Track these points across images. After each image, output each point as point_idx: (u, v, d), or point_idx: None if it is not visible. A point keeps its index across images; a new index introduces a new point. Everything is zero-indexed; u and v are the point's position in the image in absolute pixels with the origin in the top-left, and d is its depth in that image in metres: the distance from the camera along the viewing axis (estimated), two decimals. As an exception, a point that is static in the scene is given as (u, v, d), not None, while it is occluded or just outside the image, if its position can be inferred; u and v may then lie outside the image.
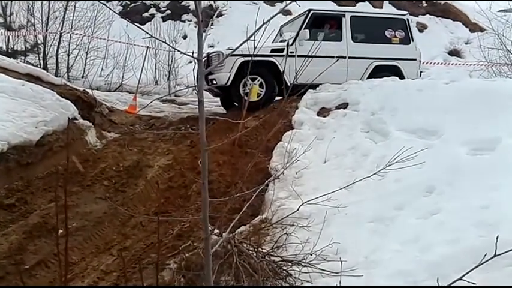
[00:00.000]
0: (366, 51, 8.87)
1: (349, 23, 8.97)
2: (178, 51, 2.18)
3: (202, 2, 17.03)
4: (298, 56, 7.87)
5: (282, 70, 8.24)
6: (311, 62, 8.26)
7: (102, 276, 4.34)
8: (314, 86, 7.75)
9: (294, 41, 8.53)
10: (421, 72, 9.69)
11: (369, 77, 8.69)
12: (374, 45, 8.96)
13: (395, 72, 8.91)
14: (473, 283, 1.85)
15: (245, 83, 8.17)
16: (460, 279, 1.74)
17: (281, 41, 9.27)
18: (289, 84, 8.07)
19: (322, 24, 9.17)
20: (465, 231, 3.39)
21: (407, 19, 9.47)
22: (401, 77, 8.81)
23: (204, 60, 9.50)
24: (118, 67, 12.39)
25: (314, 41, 8.47)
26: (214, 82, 8.42)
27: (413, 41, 9.40)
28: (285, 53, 8.34)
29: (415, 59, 9.38)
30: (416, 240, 3.56)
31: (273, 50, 8.39)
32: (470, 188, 4.04)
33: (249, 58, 7.79)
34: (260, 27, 2.25)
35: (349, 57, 8.47)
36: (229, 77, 8.20)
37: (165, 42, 2.31)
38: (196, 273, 3.74)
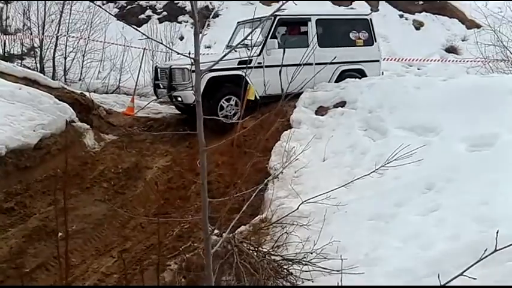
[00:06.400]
0: (332, 56, 7.84)
1: (315, 27, 8.63)
2: (175, 51, 2.18)
3: (198, 2, 17.04)
4: (266, 66, 7.32)
5: (250, 83, 7.47)
6: (278, 71, 8.02)
7: (103, 279, 4.35)
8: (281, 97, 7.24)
9: (261, 50, 8.01)
10: (382, 72, 9.49)
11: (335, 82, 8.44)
12: (340, 49, 8.44)
13: (360, 75, 8.81)
14: (474, 278, 1.84)
15: (222, 106, 7.70)
16: (461, 275, 1.73)
17: (243, 44, 8.85)
18: (258, 97, 7.48)
19: (289, 30, 8.90)
20: (465, 227, 3.39)
21: (370, 19, 9.26)
22: None
23: (166, 71, 8.61)
24: (115, 69, 12.35)
25: (283, 49, 7.89)
26: (180, 99, 7.90)
27: (376, 41, 9.25)
28: (252, 64, 7.75)
29: (378, 60, 9.27)
30: (416, 237, 3.56)
31: (240, 62, 7.68)
32: (469, 184, 4.05)
33: (217, 73, 7.43)
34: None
35: (316, 64, 7.43)
36: None
37: (161, 43, 2.30)
38: (197, 273, 3.73)
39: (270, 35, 8.19)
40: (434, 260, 3.15)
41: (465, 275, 1.75)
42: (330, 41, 8.68)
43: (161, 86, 8.44)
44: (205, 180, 1.87)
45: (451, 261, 2.95)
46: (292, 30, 8.98)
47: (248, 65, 7.70)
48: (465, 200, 3.81)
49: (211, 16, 14.51)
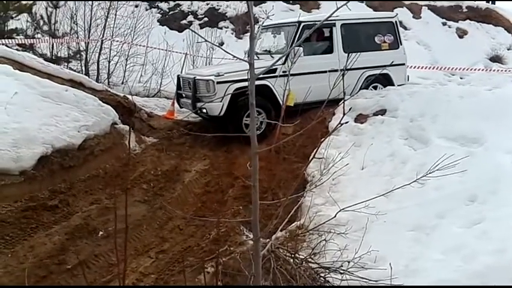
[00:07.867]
0: (358, 61, 8.02)
1: (339, 33, 8.46)
2: (232, 55, 2.18)
3: (239, 8, 17.14)
4: (292, 74, 7.19)
5: (276, 93, 7.59)
6: (303, 80, 7.92)
7: (141, 278, 4.41)
8: (309, 105, 7.01)
9: (286, 59, 7.68)
10: (408, 76, 9.28)
11: (360, 89, 8.35)
12: (365, 54, 8.07)
13: (386, 80, 8.67)
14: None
15: (246, 124, 7.52)
16: (512, 288, 1.68)
17: (265, 51, 8.75)
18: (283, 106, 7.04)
19: (314, 36, 8.70)
20: (511, 240, 3.29)
21: (396, 21, 9.08)
22: (391, 84, 8.56)
23: (189, 81, 8.07)
24: (157, 73, 12.55)
25: (308, 56, 8.02)
26: (205, 111, 7.73)
27: (401, 44, 9.07)
28: (277, 73, 7.59)
29: (403, 64, 9.07)
30: (459, 250, 3.48)
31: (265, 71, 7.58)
32: (515, 197, 3.93)
33: (243, 84, 7.13)
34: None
35: (342, 70, 7.09)
36: (222, 106, 7.49)
37: (219, 46, 2.32)
38: (234, 276, 3.75)
39: (294, 42, 8.02)
40: (478, 273, 3.06)
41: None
42: (355, 46, 8.36)
43: (184, 96, 8.40)
44: (257, 183, 1.87)
45: (496, 275, 2.87)
46: (316, 36, 8.81)
47: (273, 74, 7.62)
48: (510, 213, 3.69)
49: (264, 20, 14.42)
